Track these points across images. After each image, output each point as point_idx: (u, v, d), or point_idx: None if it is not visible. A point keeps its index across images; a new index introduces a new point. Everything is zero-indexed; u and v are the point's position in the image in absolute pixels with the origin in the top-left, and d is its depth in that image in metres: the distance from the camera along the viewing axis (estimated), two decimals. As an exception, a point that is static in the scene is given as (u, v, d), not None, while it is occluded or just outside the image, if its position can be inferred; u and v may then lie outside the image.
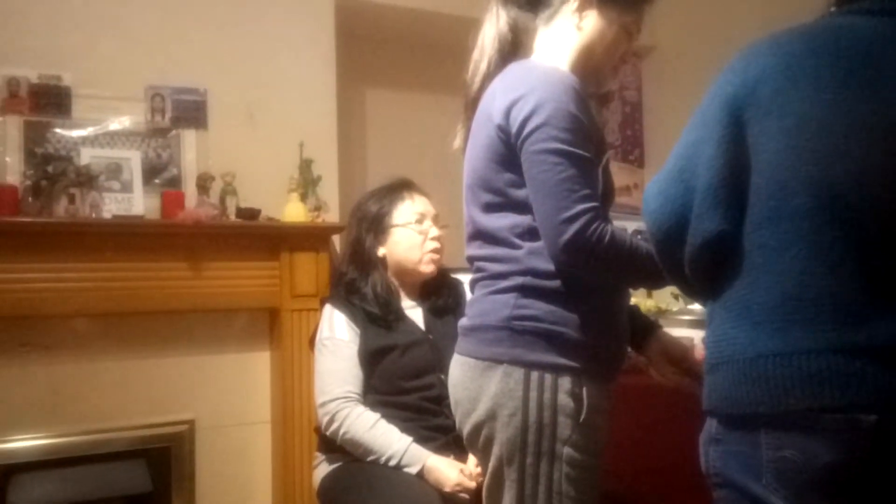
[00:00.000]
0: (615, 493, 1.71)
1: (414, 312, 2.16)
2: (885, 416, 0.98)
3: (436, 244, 2.16)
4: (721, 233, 1.10)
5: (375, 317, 2.09)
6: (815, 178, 1.04)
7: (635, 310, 1.70)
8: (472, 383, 1.43)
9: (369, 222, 2.17)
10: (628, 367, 1.78)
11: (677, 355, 1.60)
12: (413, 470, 1.90)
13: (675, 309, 2.62)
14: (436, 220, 2.19)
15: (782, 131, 1.06)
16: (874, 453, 0.98)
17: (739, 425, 1.08)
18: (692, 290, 1.25)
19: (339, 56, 2.92)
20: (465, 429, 1.46)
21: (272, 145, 2.73)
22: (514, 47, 1.53)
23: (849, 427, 0.99)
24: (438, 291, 2.18)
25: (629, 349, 1.68)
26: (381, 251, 2.15)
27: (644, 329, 1.64)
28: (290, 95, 2.81)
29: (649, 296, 2.92)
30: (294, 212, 2.64)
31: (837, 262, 1.02)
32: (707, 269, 1.14)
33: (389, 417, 1.99)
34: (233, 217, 2.60)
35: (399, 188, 2.21)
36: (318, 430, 2.11)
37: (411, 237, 2.14)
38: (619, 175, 3.76)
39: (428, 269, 2.15)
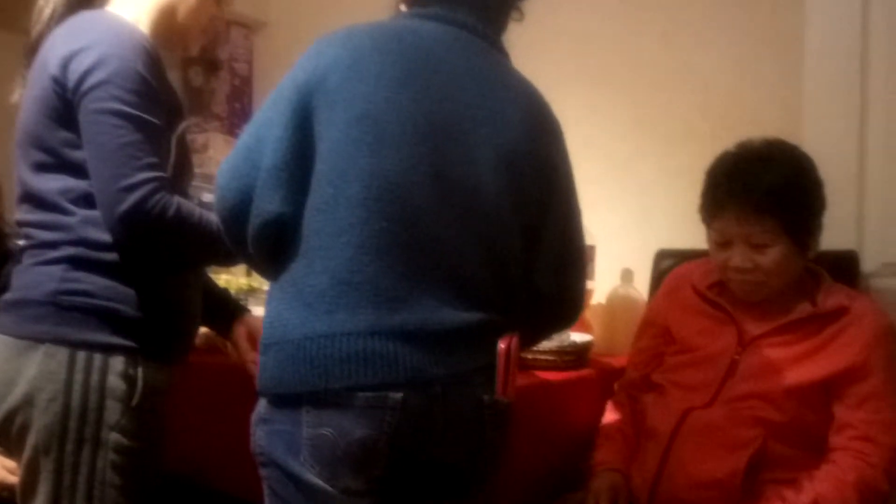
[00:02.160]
0: (180, 476, 1.64)
1: None
2: (409, 394, 1.06)
3: None
4: (281, 215, 1.11)
5: None
6: (369, 170, 1.09)
7: (223, 292, 1.66)
8: (8, 365, 1.26)
9: None
10: (206, 346, 1.73)
11: None
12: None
13: (266, 287, 2.62)
14: None
15: (345, 122, 1.10)
16: (399, 428, 1.06)
17: (285, 404, 1.10)
18: (257, 268, 1.25)
19: None
20: None
21: None
22: None
23: (378, 404, 1.05)
24: None
25: (213, 332, 1.63)
26: None
27: (230, 313, 1.59)
28: None
29: (248, 274, 2.89)
30: None
31: (383, 250, 1.08)
32: (268, 249, 1.15)
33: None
34: None
35: None
36: None
37: None
38: (224, 148, 3.67)
39: None
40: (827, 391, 1.47)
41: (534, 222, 1.18)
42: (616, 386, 1.73)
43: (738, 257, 1.50)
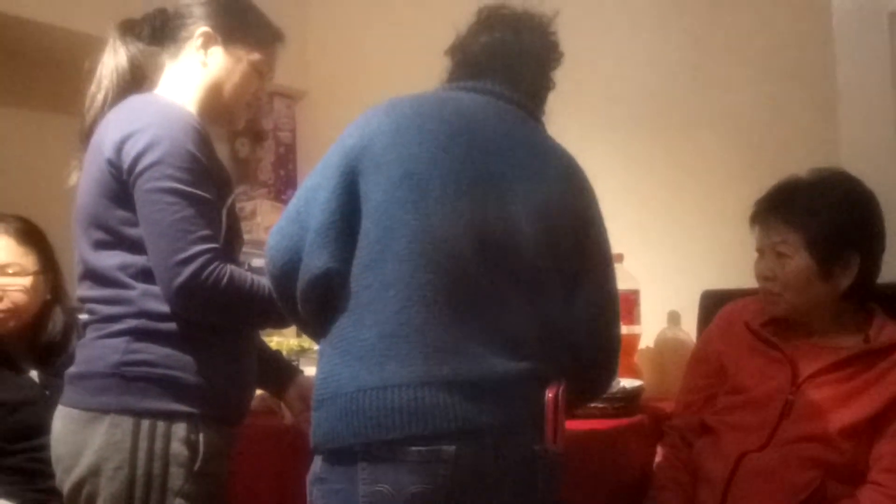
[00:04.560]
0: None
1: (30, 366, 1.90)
2: (461, 446, 1.08)
3: None
4: (329, 270, 1.16)
5: None
6: (414, 226, 1.14)
7: (276, 354, 1.70)
8: (75, 436, 1.31)
9: None
10: (262, 408, 1.77)
11: None
12: (13, 539, 1.68)
13: (317, 348, 2.65)
14: (3, 269, 1.78)
15: (390, 182, 1.16)
16: (453, 481, 1.08)
17: (340, 461, 1.13)
18: (307, 327, 1.29)
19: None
20: (66, 487, 1.33)
21: None
22: (135, 81, 1.46)
23: (432, 458, 1.07)
24: (56, 342, 1.91)
25: (267, 393, 1.67)
26: None
27: (283, 374, 1.63)
28: None
29: (298, 335, 2.93)
30: None
31: (430, 301, 1.12)
32: (317, 306, 1.19)
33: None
34: None
35: None
36: None
37: None
38: (271, 214, 3.76)
39: None
40: (875, 427, 1.45)
41: (570, 276, 1.21)
42: (666, 427, 1.70)
43: (762, 264, 1.54)
